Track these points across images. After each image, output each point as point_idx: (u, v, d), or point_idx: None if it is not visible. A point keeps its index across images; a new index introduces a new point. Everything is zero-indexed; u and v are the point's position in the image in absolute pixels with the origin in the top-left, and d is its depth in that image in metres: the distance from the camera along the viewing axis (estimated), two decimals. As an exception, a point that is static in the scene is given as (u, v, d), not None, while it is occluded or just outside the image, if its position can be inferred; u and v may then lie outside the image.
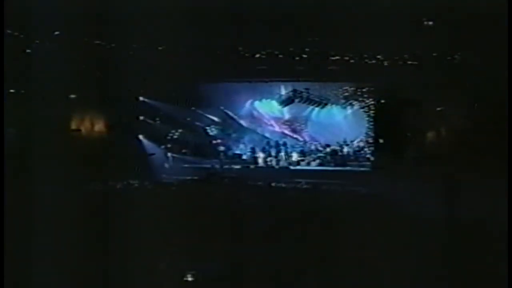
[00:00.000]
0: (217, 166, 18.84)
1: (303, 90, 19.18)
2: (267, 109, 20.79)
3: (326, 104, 19.56)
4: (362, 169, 18.72)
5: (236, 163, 19.49)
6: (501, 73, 12.65)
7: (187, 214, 12.84)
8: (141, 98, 18.34)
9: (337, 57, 16.34)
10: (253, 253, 9.83)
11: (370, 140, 19.12)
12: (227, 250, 10.17)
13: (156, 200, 14.42)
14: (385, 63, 16.27)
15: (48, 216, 10.20)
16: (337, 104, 19.86)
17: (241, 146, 20.48)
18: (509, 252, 8.25)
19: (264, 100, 20.62)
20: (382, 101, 18.29)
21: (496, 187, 11.46)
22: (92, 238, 10.10)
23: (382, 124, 18.28)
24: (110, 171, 14.83)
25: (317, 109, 19.89)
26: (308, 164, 19.58)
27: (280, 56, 16.44)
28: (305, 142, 20.65)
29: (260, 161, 19.70)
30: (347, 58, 16.31)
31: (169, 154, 19.08)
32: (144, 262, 9.58)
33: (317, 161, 19.64)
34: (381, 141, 18.28)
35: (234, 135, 20.73)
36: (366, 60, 16.24)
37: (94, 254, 9.38)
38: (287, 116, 20.79)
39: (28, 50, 14.34)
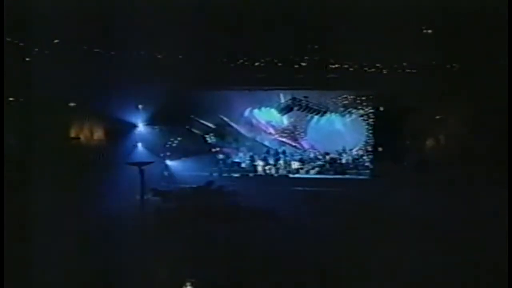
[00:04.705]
0: (216, 174, 18.81)
1: (302, 98, 19.20)
2: (266, 117, 20.79)
3: (325, 112, 19.58)
4: (361, 177, 18.74)
5: (235, 171, 19.49)
6: (501, 80, 12.69)
7: (185, 220, 12.93)
8: (140, 106, 18.31)
9: (336, 65, 16.40)
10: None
11: (369, 148, 19.15)
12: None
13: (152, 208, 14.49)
14: (384, 71, 16.32)
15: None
16: (336, 112, 19.89)
17: (240, 154, 20.45)
18: (509, 252, 8.27)
19: (263, 108, 20.62)
20: (381, 109, 18.35)
21: (496, 193, 11.50)
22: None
23: (381, 132, 18.32)
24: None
25: (316, 117, 19.91)
26: (307, 172, 19.57)
27: (280, 64, 16.49)
28: (304, 150, 20.64)
29: (259, 169, 19.67)
30: (346, 66, 16.37)
31: (167, 162, 19.01)
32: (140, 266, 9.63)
33: (316, 169, 19.63)
34: (380, 149, 18.31)
35: (233, 143, 20.69)
36: (365, 69, 16.29)
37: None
38: (286, 124, 20.80)
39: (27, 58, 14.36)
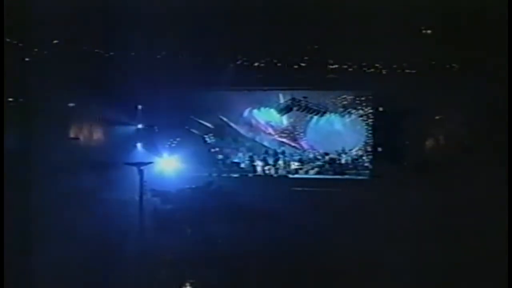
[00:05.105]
0: (215, 174, 18.80)
1: (301, 99, 19.22)
2: (266, 118, 20.79)
3: (324, 113, 19.60)
4: (360, 177, 18.76)
5: (234, 172, 19.48)
6: (500, 80, 12.68)
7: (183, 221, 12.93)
8: (139, 107, 18.33)
9: (336, 66, 16.40)
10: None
11: (369, 149, 19.16)
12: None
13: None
14: (384, 72, 16.32)
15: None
16: (335, 112, 19.91)
17: (239, 154, 20.44)
18: (509, 252, 8.25)
19: (262, 109, 20.63)
20: (380, 109, 18.35)
21: (495, 195, 11.49)
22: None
23: (380, 132, 18.32)
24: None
25: (315, 117, 19.92)
26: (307, 172, 19.57)
27: (279, 64, 16.49)
28: (303, 150, 20.64)
29: (259, 169, 19.66)
30: (345, 66, 16.37)
31: (166, 162, 18.99)
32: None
33: (316, 169, 19.63)
34: (379, 149, 18.30)
35: (232, 144, 20.69)
36: (365, 69, 16.30)
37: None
38: (285, 125, 20.79)
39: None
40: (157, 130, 18.89)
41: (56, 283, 8.64)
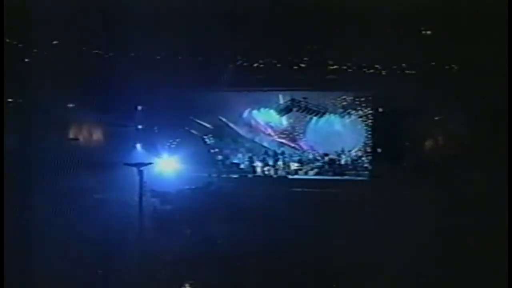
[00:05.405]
0: (215, 175, 18.79)
1: (301, 99, 19.23)
2: (265, 118, 20.79)
3: (324, 113, 19.60)
4: (360, 178, 18.75)
5: (233, 172, 19.47)
6: (500, 81, 12.68)
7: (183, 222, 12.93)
8: (139, 107, 18.32)
9: (336, 67, 16.41)
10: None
11: (368, 149, 19.16)
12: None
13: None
14: (383, 73, 16.33)
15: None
16: (335, 113, 19.92)
17: (239, 155, 20.44)
18: (509, 252, 8.25)
19: (262, 109, 20.64)
20: (380, 110, 18.35)
21: (495, 195, 11.49)
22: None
23: (380, 133, 18.32)
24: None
25: (315, 118, 19.92)
26: (306, 173, 19.56)
27: (279, 65, 16.49)
28: (303, 151, 20.64)
29: (258, 170, 19.65)
30: (345, 67, 16.38)
31: (166, 163, 18.98)
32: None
33: (315, 170, 19.62)
34: (379, 150, 18.30)
35: (231, 144, 20.69)
36: (364, 70, 16.31)
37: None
38: (285, 125, 20.80)
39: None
40: (156, 131, 18.89)
41: (56, 283, 8.63)
